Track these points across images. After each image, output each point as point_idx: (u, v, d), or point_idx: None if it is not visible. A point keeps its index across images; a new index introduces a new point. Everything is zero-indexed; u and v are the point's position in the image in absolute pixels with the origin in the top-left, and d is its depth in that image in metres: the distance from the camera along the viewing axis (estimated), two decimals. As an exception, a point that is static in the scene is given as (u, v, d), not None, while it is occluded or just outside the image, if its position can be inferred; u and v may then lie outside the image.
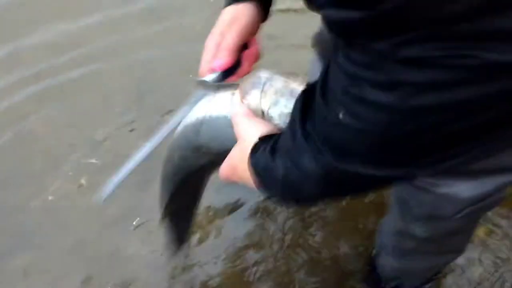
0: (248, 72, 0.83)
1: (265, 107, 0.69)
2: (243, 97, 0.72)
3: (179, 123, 0.82)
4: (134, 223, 1.52)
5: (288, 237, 1.49)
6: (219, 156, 0.75)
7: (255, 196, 1.55)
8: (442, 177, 0.94)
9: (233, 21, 0.82)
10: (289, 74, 0.71)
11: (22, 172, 1.64)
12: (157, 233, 1.44)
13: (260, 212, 1.54)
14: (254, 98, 0.70)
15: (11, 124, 1.75)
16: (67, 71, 1.89)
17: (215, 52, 0.80)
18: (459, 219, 1.00)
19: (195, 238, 1.46)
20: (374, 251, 1.39)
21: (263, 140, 0.66)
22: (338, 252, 1.48)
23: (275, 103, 0.68)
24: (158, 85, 1.86)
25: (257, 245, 1.49)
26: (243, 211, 1.55)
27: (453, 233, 1.07)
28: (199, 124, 0.79)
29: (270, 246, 1.48)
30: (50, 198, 1.59)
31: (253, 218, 1.53)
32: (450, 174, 0.93)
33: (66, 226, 1.53)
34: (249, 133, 0.68)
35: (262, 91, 0.69)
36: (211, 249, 1.47)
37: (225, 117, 0.74)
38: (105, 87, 1.86)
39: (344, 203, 1.53)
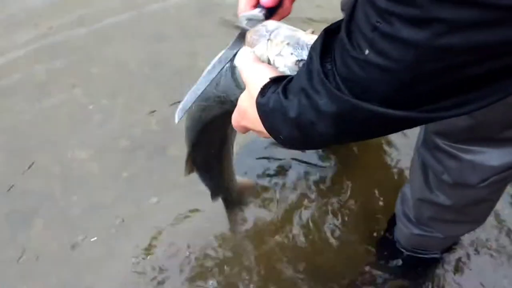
0: (289, 13, 0.83)
1: (271, 55, 0.69)
2: (250, 46, 0.72)
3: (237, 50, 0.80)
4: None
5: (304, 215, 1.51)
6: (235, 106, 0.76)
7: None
8: (471, 144, 0.93)
9: None
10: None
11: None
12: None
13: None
14: (261, 46, 0.70)
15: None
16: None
17: None
18: (484, 187, 1.00)
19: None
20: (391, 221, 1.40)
21: (274, 81, 0.65)
22: (355, 221, 1.50)
23: (282, 51, 0.68)
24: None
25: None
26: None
27: (476, 202, 1.07)
28: (218, 76, 0.80)
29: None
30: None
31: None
32: (479, 141, 0.93)
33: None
34: (257, 77, 0.67)
35: (269, 39, 0.70)
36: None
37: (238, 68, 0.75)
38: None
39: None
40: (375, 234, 1.47)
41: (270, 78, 0.65)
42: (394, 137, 1.60)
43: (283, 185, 1.55)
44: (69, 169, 1.59)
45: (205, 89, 0.82)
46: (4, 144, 1.64)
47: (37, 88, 1.75)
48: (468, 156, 0.95)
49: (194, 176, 1.32)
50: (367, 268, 1.44)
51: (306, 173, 1.57)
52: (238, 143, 1.52)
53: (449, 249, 1.39)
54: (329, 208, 1.51)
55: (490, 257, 1.44)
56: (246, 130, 0.75)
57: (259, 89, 0.65)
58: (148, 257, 1.44)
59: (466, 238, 1.44)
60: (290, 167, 1.58)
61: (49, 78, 1.77)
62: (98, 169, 1.59)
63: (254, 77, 0.68)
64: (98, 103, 1.72)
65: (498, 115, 0.86)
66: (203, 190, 1.48)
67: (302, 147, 0.71)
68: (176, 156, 1.55)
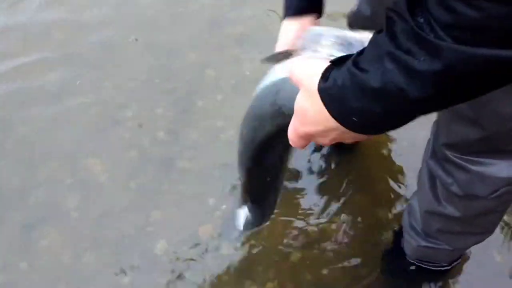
0: None
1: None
2: (298, 53, 0.70)
3: None
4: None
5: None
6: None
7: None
8: (481, 156, 0.94)
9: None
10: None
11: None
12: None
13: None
14: (310, 52, 0.67)
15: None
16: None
17: None
18: (493, 199, 1.00)
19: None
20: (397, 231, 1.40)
21: (335, 63, 0.57)
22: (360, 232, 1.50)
23: (332, 52, 0.64)
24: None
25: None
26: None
27: (485, 213, 1.07)
28: (277, 87, 0.74)
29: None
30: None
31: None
32: (489, 153, 0.94)
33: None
34: (312, 69, 0.60)
35: (317, 43, 0.67)
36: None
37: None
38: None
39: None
40: (381, 246, 1.47)
41: (330, 61, 0.58)
42: (401, 148, 1.61)
43: (287, 195, 1.55)
44: (81, 179, 1.59)
45: (258, 105, 0.77)
46: (16, 153, 1.65)
47: (50, 98, 1.76)
48: (478, 168, 0.96)
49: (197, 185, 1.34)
50: (373, 281, 1.44)
51: (310, 185, 1.57)
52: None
53: (457, 260, 1.39)
54: (334, 220, 1.51)
55: (496, 268, 1.44)
56: (306, 139, 0.67)
57: (318, 77, 0.58)
58: (156, 268, 1.43)
59: (472, 249, 1.43)
60: (295, 177, 1.58)
61: (61, 89, 1.78)
62: (108, 179, 1.59)
63: (308, 70, 0.61)
64: (108, 113, 1.73)
65: (509, 128, 0.87)
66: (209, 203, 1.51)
67: (379, 126, 0.57)
68: (183, 168, 1.58)
